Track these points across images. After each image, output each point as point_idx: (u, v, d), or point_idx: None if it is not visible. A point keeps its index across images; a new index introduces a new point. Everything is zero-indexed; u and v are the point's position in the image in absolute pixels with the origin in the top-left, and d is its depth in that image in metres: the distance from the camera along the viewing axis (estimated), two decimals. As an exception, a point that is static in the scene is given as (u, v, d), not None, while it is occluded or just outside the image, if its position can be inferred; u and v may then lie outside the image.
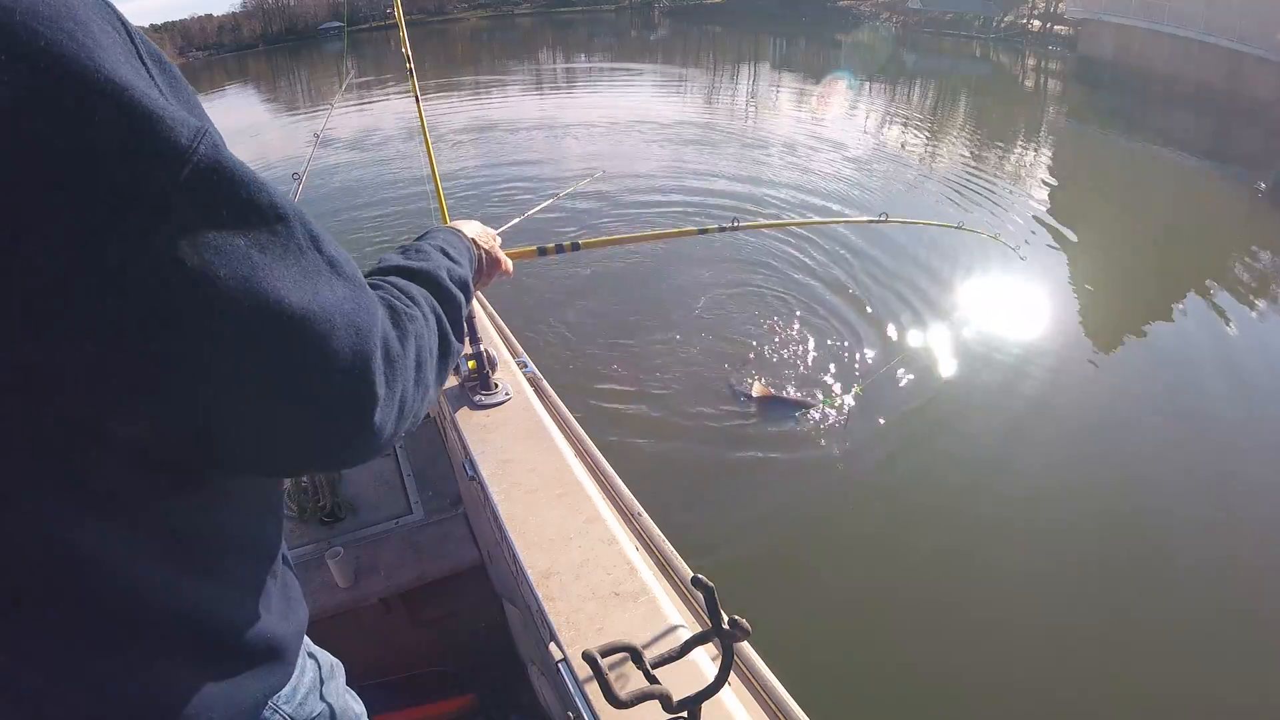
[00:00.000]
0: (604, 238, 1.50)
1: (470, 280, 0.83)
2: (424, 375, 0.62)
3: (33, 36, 0.38)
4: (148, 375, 0.45)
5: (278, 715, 0.70)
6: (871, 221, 1.72)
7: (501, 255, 1.02)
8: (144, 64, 0.45)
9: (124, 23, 0.45)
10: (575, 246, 1.43)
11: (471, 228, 0.99)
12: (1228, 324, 6.03)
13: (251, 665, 0.65)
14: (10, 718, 0.54)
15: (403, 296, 0.66)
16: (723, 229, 1.48)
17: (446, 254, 0.80)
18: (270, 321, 0.46)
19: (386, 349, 0.56)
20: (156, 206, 0.42)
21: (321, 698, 0.79)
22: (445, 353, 0.68)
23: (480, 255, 0.95)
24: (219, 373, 0.46)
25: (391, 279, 0.69)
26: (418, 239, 0.86)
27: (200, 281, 0.43)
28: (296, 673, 0.73)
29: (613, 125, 13.24)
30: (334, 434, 0.53)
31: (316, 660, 0.82)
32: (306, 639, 0.82)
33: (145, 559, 0.54)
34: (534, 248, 1.37)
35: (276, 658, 0.67)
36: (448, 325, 0.70)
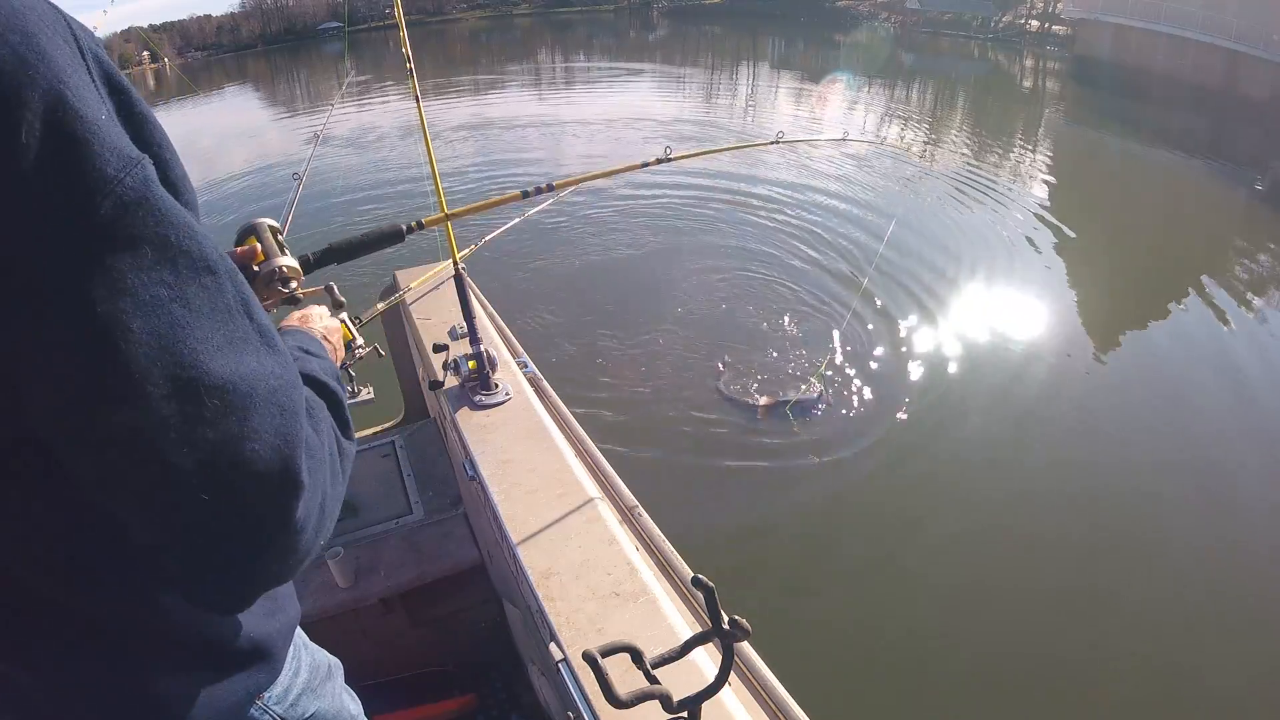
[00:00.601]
0: (574, 178, 1.81)
1: (337, 372, 0.74)
2: (336, 471, 0.56)
3: None
4: (51, 419, 0.42)
5: (267, 715, 0.70)
6: (768, 144, 2.01)
7: (338, 337, 0.94)
8: (94, 82, 0.42)
9: (78, 39, 0.43)
10: (550, 188, 1.72)
11: (312, 318, 0.91)
12: (1227, 319, 6.04)
13: (235, 665, 0.64)
14: (4, 716, 0.55)
15: None
16: (660, 161, 1.74)
17: (307, 351, 0.73)
18: (184, 388, 0.42)
19: (306, 437, 0.50)
20: (70, 236, 0.39)
21: (316, 698, 0.79)
22: (343, 449, 0.61)
23: (328, 343, 0.86)
24: (117, 439, 0.41)
25: None
26: None
27: (109, 331, 0.40)
28: (289, 673, 0.73)
29: (611, 124, 13.28)
30: (250, 527, 0.46)
31: (314, 659, 0.82)
32: (305, 638, 0.83)
33: (121, 566, 0.53)
34: (518, 192, 1.66)
35: (261, 657, 0.67)
36: (333, 421, 0.62)
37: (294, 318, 0.88)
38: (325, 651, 0.90)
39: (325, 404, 0.61)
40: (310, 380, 0.63)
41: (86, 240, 0.40)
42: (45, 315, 0.39)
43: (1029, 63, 27.02)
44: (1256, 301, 6.52)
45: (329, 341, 0.85)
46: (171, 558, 0.47)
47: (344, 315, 1.11)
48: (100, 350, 0.40)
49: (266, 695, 0.70)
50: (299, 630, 0.85)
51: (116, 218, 0.40)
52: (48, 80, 0.39)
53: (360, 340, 1.18)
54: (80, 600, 0.52)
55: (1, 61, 0.37)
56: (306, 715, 0.76)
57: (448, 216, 1.55)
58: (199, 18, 56.96)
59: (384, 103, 17.11)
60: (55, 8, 0.42)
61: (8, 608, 0.51)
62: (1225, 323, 6.03)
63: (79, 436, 0.42)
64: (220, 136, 15.28)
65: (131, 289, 0.40)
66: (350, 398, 0.95)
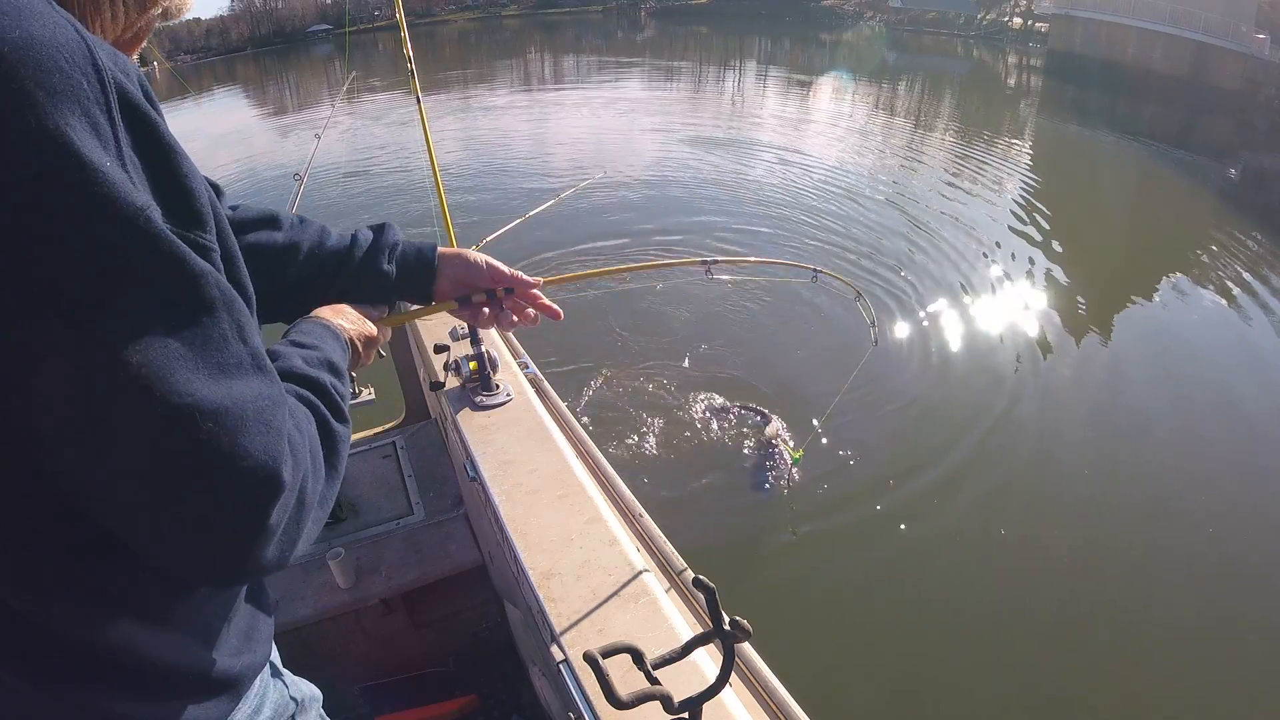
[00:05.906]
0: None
1: (337, 360, 0.74)
2: (319, 461, 0.60)
3: None
4: (54, 449, 0.44)
5: None
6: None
7: (373, 329, 0.88)
8: (110, 118, 0.42)
9: (99, 70, 0.42)
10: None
11: (338, 313, 0.85)
12: (1205, 308, 6.11)
13: (194, 698, 0.65)
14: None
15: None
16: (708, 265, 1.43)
17: (297, 344, 0.73)
18: (179, 413, 0.44)
19: (291, 443, 0.53)
20: (77, 279, 0.41)
21: None
22: (333, 433, 0.64)
23: (349, 337, 0.82)
24: (118, 460, 0.45)
25: None
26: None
27: (110, 365, 0.42)
28: (249, 708, 0.74)
29: (609, 125, 13.38)
30: (232, 535, 0.50)
31: (281, 699, 0.82)
32: (288, 675, 0.85)
33: (89, 587, 0.54)
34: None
35: (222, 691, 0.68)
36: (321, 407, 0.64)
37: (327, 310, 0.84)
38: (307, 684, 0.91)
39: (312, 393, 0.64)
40: (294, 376, 0.65)
41: (92, 284, 0.41)
42: (53, 348, 0.41)
43: (1011, 59, 27.22)
44: (1235, 291, 6.57)
45: (351, 337, 0.82)
46: (158, 551, 0.50)
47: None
48: (101, 381, 0.42)
49: None
50: (279, 666, 0.86)
51: (121, 263, 0.42)
52: (52, 120, 0.39)
53: None
54: (50, 617, 0.53)
55: (5, 103, 0.38)
56: None
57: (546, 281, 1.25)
58: (187, 21, 56.41)
59: (384, 104, 17.09)
60: (79, 34, 0.42)
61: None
62: (1204, 313, 6.09)
63: (84, 457, 0.45)
64: (215, 139, 15.18)
65: (131, 329, 0.42)
66: (352, 398, 0.96)
